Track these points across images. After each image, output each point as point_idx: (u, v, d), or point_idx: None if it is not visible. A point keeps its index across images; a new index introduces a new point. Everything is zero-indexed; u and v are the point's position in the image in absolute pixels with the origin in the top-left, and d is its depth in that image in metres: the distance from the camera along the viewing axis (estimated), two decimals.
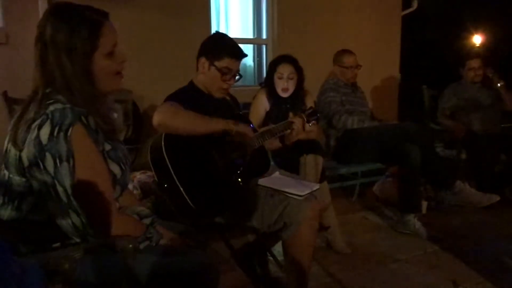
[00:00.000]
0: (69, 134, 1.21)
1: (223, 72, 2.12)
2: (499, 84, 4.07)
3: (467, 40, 8.85)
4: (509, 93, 4.06)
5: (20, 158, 1.23)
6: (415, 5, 6.11)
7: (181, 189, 1.75)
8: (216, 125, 1.94)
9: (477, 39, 7.96)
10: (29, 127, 1.22)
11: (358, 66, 3.67)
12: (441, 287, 2.42)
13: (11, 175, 1.27)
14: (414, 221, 3.14)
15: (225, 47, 2.15)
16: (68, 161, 1.21)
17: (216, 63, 2.12)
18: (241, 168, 2.03)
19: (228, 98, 2.33)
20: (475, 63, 4.13)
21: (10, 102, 3.25)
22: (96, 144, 1.29)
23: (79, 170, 1.22)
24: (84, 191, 1.24)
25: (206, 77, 2.17)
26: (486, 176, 3.86)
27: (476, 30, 8.47)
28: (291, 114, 2.48)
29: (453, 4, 10.19)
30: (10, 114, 3.15)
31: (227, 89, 2.21)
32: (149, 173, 2.73)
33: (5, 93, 3.31)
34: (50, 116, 1.21)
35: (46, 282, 0.88)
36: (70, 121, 1.21)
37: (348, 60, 3.64)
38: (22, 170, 1.24)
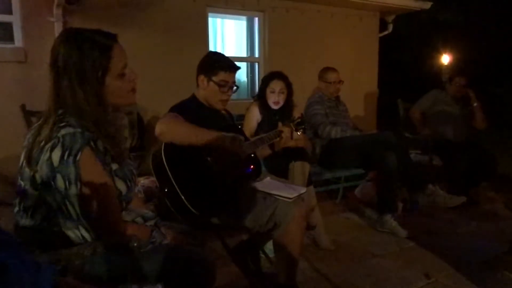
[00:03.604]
0: (77, 158, 1.18)
1: (220, 84, 2.13)
2: (475, 104, 4.10)
3: (435, 59, 8.96)
4: (481, 114, 4.09)
5: (33, 176, 1.21)
6: (390, 28, 6.20)
7: (180, 193, 1.74)
8: (211, 136, 1.91)
9: (445, 59, 8.03)
10: (42, 149, 1.19)
11: (340, 82, 3.69)
12: (415, 279, 2.42)
13: (26, 186, 1.24)
14: (391, 220, 3.14)
15: (218, 63, 2.16)
16: (75, 184, 1.19)
17: (214, 78, 2.13)
18: (235, 174, 2.02)
19: (224, 112, 2.34)
20: (462, 80, 4.11)
21: (28, 114, 3.23)
22: (104, 166, 1.25)
23: (86, 191, 1.20)
24: (92, 211, 1.22)
25: (207, 91, 2.17)
26: (456, 179, 3.87)
27: (444, 50, 8.58)
28: (279, 124, 2.48)
29: (424, 27, 10.32)
30: (28, 125, 3.13)
31: (226, 100, 2.21)
32: (152, 178, 2.71)
33: (23, 106, 3.29)
34: (61, 140, 1.18)
35: (57, 277, 0.87)
36: (79, 147, 1.18)
37: (331, 76, 3.65)
38: (35, 186, 1.22)
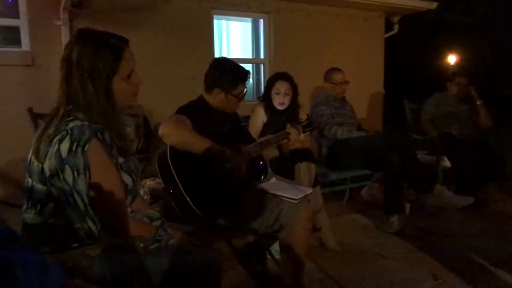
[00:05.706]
0: (86, 149, 1.21)
1: (240, 97, 2.20)
2: (478, 102, 4.08)
3: (442, 60, 8.91)
4: (485, 111, 4.07)
5: (42, 169, 1.23)
6: (396, 28, 6.18)
7: (185, 194, 1.75)
8: (210, 150, 1.88)
9: (452, 59, 7.99)
10: (50, 142, 1.23)
11: (346, 82, 3.67)
12: (422, 280, 2.40)
13: (34, 183, 1.27)
14: (398, 221, 3.12)
15: (236, 77, 2.17)
16: (84, 174, 1.21)
17: (233, 92, 2.16)
18: (240, 175, 2.02)
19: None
20: (462, 80, 4.11)
21: (35, 117, 3.26)
22: (110, 158, 1.28)
23: (94, 181, 1.22)
24: (99, 200, 1.24)
25: (224, 103, 2.19)
26: (464, 180, 3.84)
27: (450, 50, 8.54)
28: (288, 126, 2.46)
29: (430, 27, 10.27)
30: (35, 127, 3.16)
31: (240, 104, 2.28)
32: (158, 180, 2.72)
33: (30, 109, 3.32)
34: (69, 132, 1.22)
35: (65, 278, 0.88)
36: (87, 138, 1.22)
37: (337, 77, 3.64)
38: (43, 180, 1.24)
